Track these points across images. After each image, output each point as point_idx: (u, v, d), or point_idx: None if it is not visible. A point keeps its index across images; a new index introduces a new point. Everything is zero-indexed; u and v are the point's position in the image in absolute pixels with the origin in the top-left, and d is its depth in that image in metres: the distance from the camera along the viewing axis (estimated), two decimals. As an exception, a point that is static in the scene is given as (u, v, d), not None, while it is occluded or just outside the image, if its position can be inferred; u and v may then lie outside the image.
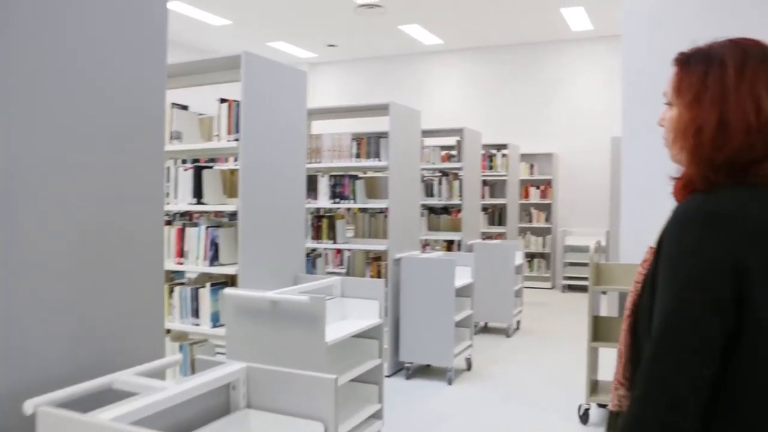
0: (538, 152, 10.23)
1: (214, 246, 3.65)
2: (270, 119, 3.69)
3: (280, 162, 3.80)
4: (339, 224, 5.58)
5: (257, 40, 10.71)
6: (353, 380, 3.62)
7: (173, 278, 4.32)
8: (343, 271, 6.70)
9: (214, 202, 3.73)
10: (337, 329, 3.44)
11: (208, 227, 3.64)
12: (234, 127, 3.52)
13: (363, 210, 6.36)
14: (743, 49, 1.17)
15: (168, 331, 3.93)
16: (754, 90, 1.13)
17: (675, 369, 1.08)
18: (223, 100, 3.56)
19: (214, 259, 3.65)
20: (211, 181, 3.73)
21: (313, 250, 5.87)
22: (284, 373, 1.84)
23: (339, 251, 7.11)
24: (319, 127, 6.35)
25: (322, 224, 5.64)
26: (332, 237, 5.57)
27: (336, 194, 5.53)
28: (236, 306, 3.28)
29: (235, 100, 3.51)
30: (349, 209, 5.93)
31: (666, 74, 1.29)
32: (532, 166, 10.32)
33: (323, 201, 5.56)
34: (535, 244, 10.26)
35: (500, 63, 10.91)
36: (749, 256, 1.07)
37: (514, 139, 10.20)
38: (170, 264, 3.79)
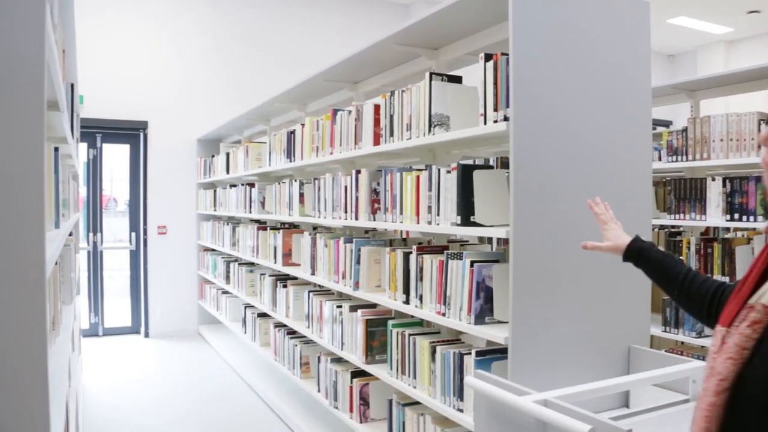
0: None
1: (484, 292, 2.30)
2: (572, 83, 2.17)
3: (593, 156, 2.24)
4: (740, 253, 3.60)
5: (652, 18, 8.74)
6: None
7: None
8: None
9: (493, 221, 2.38)
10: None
11: (473, 262, 2.31)
12: (503, 98, 2.11)
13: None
14: None
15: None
16: None
17: None
18: (488, 57, 2.18)
19: (483, 312, 2.30)
20: (490, 188, 2.39)
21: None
22: None
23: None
24: (709, 108, 4.38)
25: (713, 252, 3.73)
26: (729, 272, 3.63)
27: (734, 207, 3.57)
28: (488, 408, 1.88)
29: (503, 53, 2.11)
30: (754, 229, 3.83)
31: None
32: None
33: (715, 217, 3.66)
34: None
35: None
36: None
37: None
38: (431, 313, 2.57)
